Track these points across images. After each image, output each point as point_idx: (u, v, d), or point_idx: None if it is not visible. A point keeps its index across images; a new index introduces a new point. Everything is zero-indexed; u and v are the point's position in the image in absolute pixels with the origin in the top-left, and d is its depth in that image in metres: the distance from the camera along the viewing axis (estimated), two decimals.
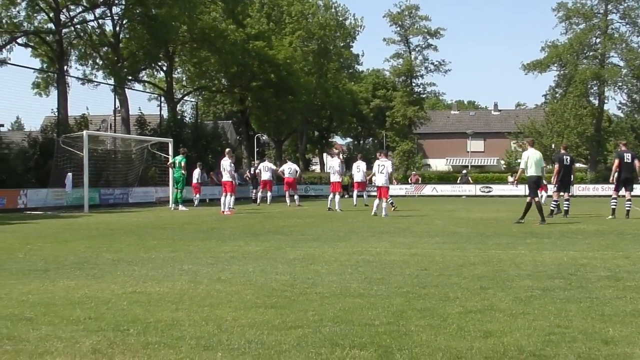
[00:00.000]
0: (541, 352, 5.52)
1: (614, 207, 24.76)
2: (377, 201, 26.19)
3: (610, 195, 25.89)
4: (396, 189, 58.64)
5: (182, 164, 33.24)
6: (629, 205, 24.33)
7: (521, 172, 21.98)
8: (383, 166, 25.90)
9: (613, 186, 25.30)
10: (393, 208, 29.90)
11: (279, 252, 13.07)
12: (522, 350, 5.56)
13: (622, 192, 24.73)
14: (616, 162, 24.90)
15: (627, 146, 26.07)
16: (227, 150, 31.38)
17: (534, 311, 7.19)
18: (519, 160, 67.16)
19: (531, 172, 21.42)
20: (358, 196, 35.27)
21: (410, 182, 65.68)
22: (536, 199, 21.57)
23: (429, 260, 11.59)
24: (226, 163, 29.64)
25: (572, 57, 72.20)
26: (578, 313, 7.12)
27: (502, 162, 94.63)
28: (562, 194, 25.40)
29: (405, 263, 11.19)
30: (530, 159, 21.48)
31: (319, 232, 18.30)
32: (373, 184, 28.26)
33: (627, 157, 24.62)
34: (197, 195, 37.41)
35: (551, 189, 28.20)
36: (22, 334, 6.24)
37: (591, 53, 73.84)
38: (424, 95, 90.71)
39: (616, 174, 24.67)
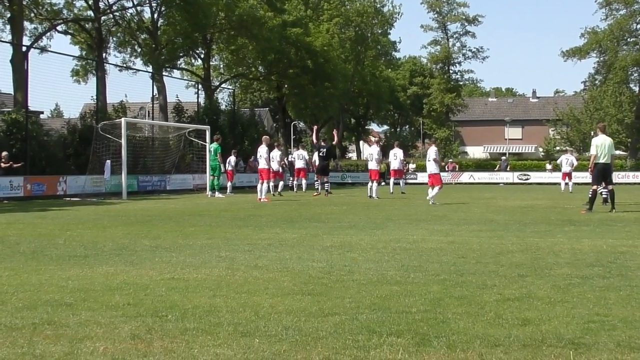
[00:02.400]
0: (580, 340, 5.48)
1: None
2: (429, 189, 25.94)
3: None
4: None
5: (218, 152, 33.38)
6: None
7: (594, 159, 20.90)
8: (429, 153, 25.83)
9: None
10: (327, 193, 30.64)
11: (315, 239, 13.08)
12: (561, 338, 5.52)
13: None
14: None
15: None
16: (264, 137, 31.45)
17: (572, 299, 7.14)
18: (557, 148, 66.68)
19: (599, 159, 20.72)
20: (395, 184, 35.23)
21: (447, 169, 65.46)
22: (594, 187, 21.03)
23: (466, 247, 11.55)
24: (263, 150, 29.75)
25: (612, 44, 71.26)
26: (617, 301, 7.06)
27: (541, 149, 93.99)
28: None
29: (442, 250, 11.16)
30: (599, 147, 20.68)
31: (355, 219, 18.30)
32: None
33: None
34: (230, 182, 37.27)
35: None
36: (62, 319, 6.31)
37: (632, 39, 72.82)
38: (461, 83, 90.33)
39: None
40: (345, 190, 43.37)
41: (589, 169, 21.77)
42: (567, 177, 38.10)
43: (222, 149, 34.12)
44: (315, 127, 37.67)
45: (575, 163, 38.67)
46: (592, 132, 68.64)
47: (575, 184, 38.46)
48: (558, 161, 41.90)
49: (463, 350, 5.22)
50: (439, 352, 5.18)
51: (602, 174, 20.92)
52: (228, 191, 36.01)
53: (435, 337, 5.58)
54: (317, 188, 34.99)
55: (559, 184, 40.00)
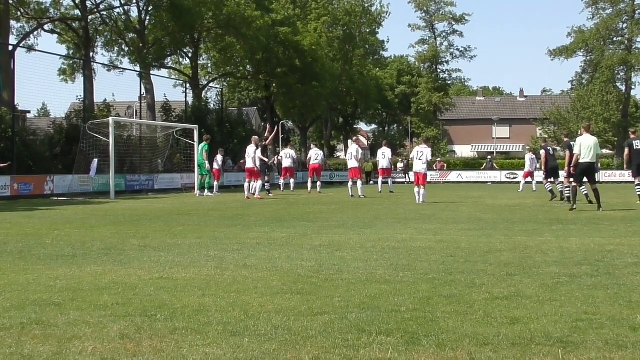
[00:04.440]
0: (568, 339, 5.49)
1: (639, 193, 25.33)
2: (416, 188, 26.01)
3: (634, 182, 26.25)
4: None
5: (204, 150, 33.34)
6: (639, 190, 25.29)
7: (576, 158, 20.84)
8: (422, 153, 25.73)
9: (631, 172, 25.98)
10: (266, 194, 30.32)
11: (304, 238, 13.08)
12: (550, 337, 5.54)
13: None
14: (626, 150, 25.43)
15: (636, 134, 26.28)
16: (254, 137, 31.44)
17: (561, 298, 7.16)
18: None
19: (581, 158, 20.66)
20: (383, 183, 35.21)
21: (435, 168, 65.46)
22: (574, 184, 21.00)
23: (455, 246, 11.56)
24: (251, 150, 29.79)
25: (599, 43, 71.51)
26: (605, 300, 7.08)
27: (528, 148, 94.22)
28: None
29: (431, 249, 11.17)
30: (583, 145, 20.65)
31: (344, 218, 18.30)
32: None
33: (637, 144, 25.14)
34: (216, 182, 36.97)
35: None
36: (51, 319, 6.29)
37: (618, 38, 73.11)
38: (449, 82, 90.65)
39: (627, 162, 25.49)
40: (334, 190, 43.35)
41: (571, 167, 21.79)
42: (529, 176, 38.52)
43: (209, 148, 34.06)
44: (274, 129, 35.85)
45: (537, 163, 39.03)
46: (579, 132, 68.95)
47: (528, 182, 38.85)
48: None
49: (452, 349, 5.23)
50: (429, 351, 5.19)
51: (585, 173, 20.92)
52: (215, 190, 35.77)
53: (425, 336, 5.58)
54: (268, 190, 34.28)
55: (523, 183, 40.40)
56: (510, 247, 11.48)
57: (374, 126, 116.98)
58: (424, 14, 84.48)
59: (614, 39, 73.09)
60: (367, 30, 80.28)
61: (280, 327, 5.91)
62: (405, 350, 5.22)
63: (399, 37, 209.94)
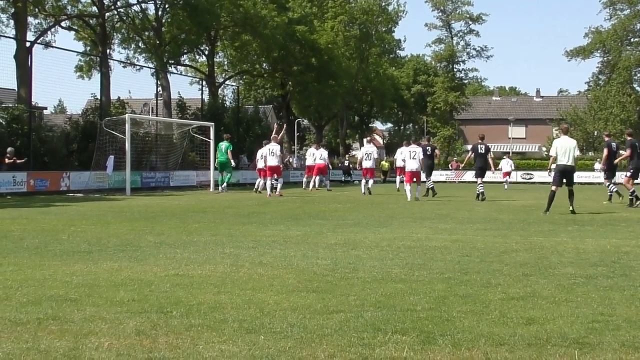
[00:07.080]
0: (584, 340, 5.48)
1: (611, 193, 26.61)
2: (407, 186, 26.48)
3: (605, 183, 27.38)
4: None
5: (229, 150, 33.31)
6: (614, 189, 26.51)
7: (553, 160, 20.33)
8: (415, 152, 26.25)
9: (605, 174, 27.03)
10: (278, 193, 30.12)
11: (320, 236, 13.08)
12: (565, 338, 5.52)
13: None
14: (605, 151, 25.86)
15: (610, 136, 27.60)
16: (274, 135, 31.44)
17: (576, 299, 7.14)
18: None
19: (558, 161, 19.99)
20: (401, 182, 35.25)
21: (450, 168, 65.37)
22: (553, 188, 20.50)
23: (470, 246, 11.54)
24: (277, 148, 29.89)
25: (616, 44, 71.34)
26: (622, 301, 7.06)
27: (544, 148, 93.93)
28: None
29: (446, 249, 11.16)
30: (559, 148, 19.93)
31: (359, 217, 18.29)
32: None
33: (614, 146, 26.05)
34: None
35: None
36: (67, 315, 6.31)
37: (635, 39, 72.87)
38: (465, 81, 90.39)
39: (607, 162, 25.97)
40: (349, 188, 43.35)
41: (548, 170, 21.75)
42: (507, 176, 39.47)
43: (233, 147, 34.31)
44: (282, 127, 35.27)
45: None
46: (595, 132, 68.78)
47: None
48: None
49: (468, 348, 5.23)
50: (444, 351, 5.18)
51: (563, 175, 20.14)
52: (265, 188, 34.15)
53: (441, 335, 5.58)
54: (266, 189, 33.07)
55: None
56: (526, 247, 11.45)
57: (389, 125, 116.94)
58: (440, 13, 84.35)
59: (632, 39, 72.90)
60: (384, 29, 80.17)
61: (295, 324, 5.92)
62: (420, 349, 5.22)
63: (416, 36, 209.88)
